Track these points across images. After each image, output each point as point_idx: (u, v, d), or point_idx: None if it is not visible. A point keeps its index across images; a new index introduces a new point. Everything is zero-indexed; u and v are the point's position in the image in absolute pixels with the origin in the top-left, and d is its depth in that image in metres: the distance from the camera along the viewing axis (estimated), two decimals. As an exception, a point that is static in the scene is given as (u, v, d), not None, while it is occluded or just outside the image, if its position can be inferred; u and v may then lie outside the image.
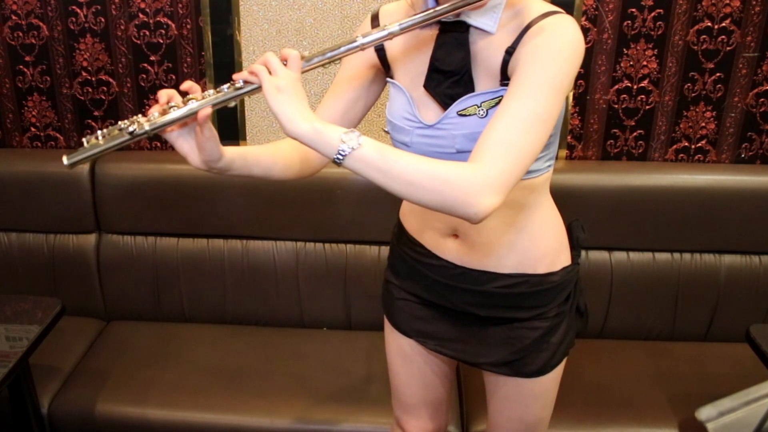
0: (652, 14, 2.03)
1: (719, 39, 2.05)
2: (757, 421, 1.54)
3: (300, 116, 1.01)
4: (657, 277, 2.13)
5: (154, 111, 1.06)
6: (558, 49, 1.05)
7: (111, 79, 2.21)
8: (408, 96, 1.20)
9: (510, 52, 1.10)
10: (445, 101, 1.16)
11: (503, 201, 1.02)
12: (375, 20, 1.25)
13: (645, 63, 2.09)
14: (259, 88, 1.05)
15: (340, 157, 1.00)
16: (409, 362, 1.46)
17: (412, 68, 1.21)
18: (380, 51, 1.25)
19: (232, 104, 1.09)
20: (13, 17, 2.16)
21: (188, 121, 1.07)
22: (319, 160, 1.29)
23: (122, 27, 2.15)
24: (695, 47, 2.07)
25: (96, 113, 2.27)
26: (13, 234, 2.26)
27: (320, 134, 1.01)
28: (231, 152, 1.13)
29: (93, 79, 2.22)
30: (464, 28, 1.14)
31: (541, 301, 1.29)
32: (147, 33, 2.15)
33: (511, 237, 1.25)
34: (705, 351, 2.14)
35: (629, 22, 2.04)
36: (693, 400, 1.79)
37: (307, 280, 2.21)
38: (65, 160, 1.09)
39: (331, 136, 1.01)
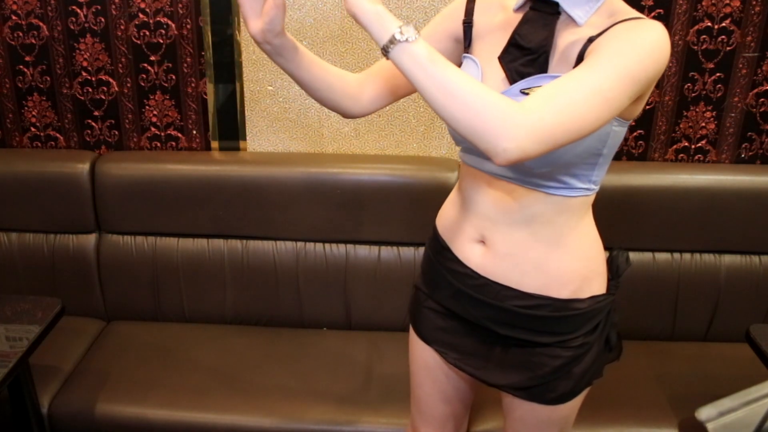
0: (652, 14, 2.03)
1: (719, 39, 2.05)
2: (757, 421, 1.54)
3: None
4: (657, 277, 2.14)
5: None
6: (642, 42, 1.03)
7: (111, 79, 2.21)
8: (479, 67, 1.18)
9: (592, 39, 1.08)
10: (514, 77, 1.13)
11: (534, 154, 0.98)
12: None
13: (645, 63, 2.09)
14: None
15: (391, 45, 0.97)
16: (432, 376, 1.44)
17: (491, 44, 1.19)
18: (467, 24, 1.23)
19: None
20: (13, 17, 2.16)
21: None
22: (365, 103, 1.26)
23: (122, 27, 2.15)
24: (695, 47, 2.07)
25: (96, 113, 2.27)
26: (13, 234, 2.26)
27: (380, 17, 0.98)
28: (292, 38, 1.12)
29: (93, 79, 2.22)
30: (554, 10, 1.13)
31: (564, 328, 1.24)
32: (147, 33, 2.15)
33: (538, 254, 1.21)
34: (705, 351, 2.14)
35: (629, 22, 2.04)
36: (693, 400, 1.79)
37: (307, 280, 2.21)
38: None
39: (390, 21, 0.98)
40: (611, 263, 1.30)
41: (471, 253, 1.27)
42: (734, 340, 2.08)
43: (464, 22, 1.24)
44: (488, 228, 1.24)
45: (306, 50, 1.16)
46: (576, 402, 1.32)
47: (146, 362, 2.07)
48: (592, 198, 1.23)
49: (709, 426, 1.70)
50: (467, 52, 1.24)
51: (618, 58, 1.01)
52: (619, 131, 1.15)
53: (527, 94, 1.10)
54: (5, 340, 1.69)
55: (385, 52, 0.98)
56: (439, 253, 1.35)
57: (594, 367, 1.29)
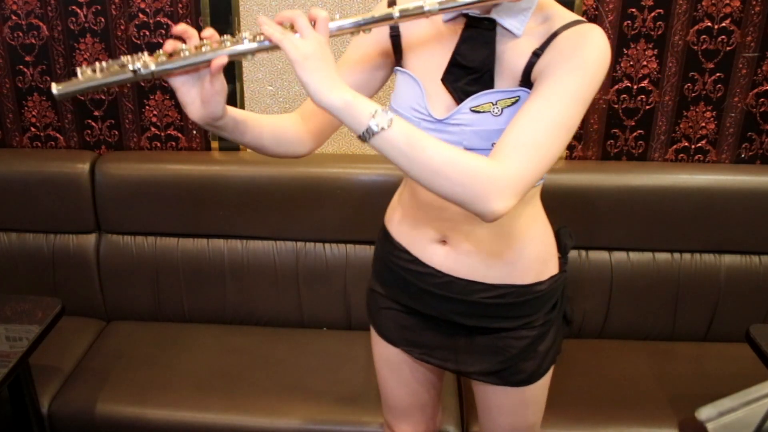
0: (652, 14, 2.03)
1: (719, 39, 2.05)
2: (757, 421, 1.54)
3: (329, 86, 0.96)
4: (657, 277, 2.13)
5: (163, 51, 0.98)
6: (588, 60, 1.04)
7: (111, 79, 2.21)
8: (421, 87, 1.17)
9: (537, 54, 1.08)
10: (460, 96, 1.13)
11: (518, 201, 1.01)
12: (392, 3, 1.15)
13: (645, 63, 2.09)
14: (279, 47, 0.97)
15: (368, 135, 0.97)
16: (396, 370, 1.46)
17: (428, 59, 1.17)
18: (395, 37, 1.20)
19: (248, 57, 1.00)
20: (13, 17, 2.16)
21: (200, 67, 0.99)
22: (310, 143, 1.23)
23: (122, 27, 2.15)
24: (695, 47, 2.07)
25: (96, 113, 2.27)
26: (13, 234, 2.26)
27: (350, 107, 0.96)
28: (233, 113, 1.07)
29: (93, 79, 2.22)
30: (492, 26, 1.12)
31: (528, 310, 1.28)
32: (147, 33, 2.15)
33: (500, 247, 1.24)
34: (705, 351, 2.14)
35: (629, 22, 2.04)
36: (693, 400, 1.79)
37: (307, 280, 2.21)
38: (54, 88, 0.96)
39: (362, 111, 0.96)
40: (559, 241, 1.34)
41: (433, 254, 1.28)
42: (734, 340, 2.08)
43: (391, 36, 1.20)
44: (450, 228, 1.25)
45: (248, 115, 1.12)
46: (544, 382, 1.35)
47: (146, 362, 2.07)
48: (543, 182, 1.25)
49: (709, 426, 1.70)
50: (399, 65, 1.22)
51: (570, 84, 1.03)
52: None
53: (477, 111, 1.12)
54: (5, 340, 1.69)
55: (362, 140, 0.98)
56: (393, 254, 1.35)
57: (556, 343, 1.34)
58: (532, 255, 1.26)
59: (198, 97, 1.02)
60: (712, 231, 2.10)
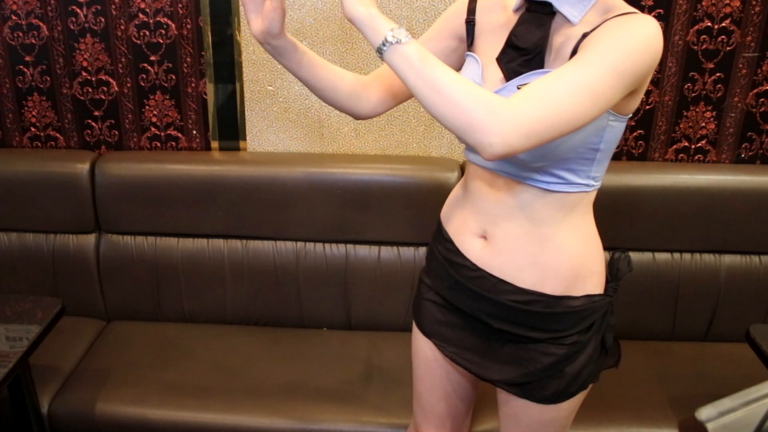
0: (652, 14, 2.03)
1: (719, 39, 2.05)
2: (757, 421, 1.54)
3: (360, 1, 1.03)
4: (657, 277, 2.14)
5: None
6: (632, 36, 1.04)
7: (111, 79, 2.21)
8: (480, 66, 1.21)
9: (585, 36, 1.09)
10: (510, 75, 1.16)
11: (522, 148, 1.00)
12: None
13: (645, 63, 2.09)
14: None
15: (384, 47, 1.02)
16: (431, 370, 1.45)
17: (492, 44, 1.21)
18: (470, 23, 1.26)
19: None
20: (13, 17, 2.16)
21: None
22: (370, 105, 1.30)
23: (122, 27, 2.15)
24: (695, 47, 2.07)
25: (96, 113, 2.27)
26: (13, 234, 2.26)
27: (373, 20, 1.03)
28: (293, 40, 1.17)
29: (93, 79, 2.22)
30: (549, 11, 1.14)
31: (556, 325, 1.25)
32: (147, 33, 2.15)
33: (534, 250, 1.22)
34: (705, 351, 2.14)
35: (629, 22, 2.04)
36: (693, 400, 1.79)
37: (307, 280, 2.21)
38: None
39: (382, 25, 1.02)
40: (612, 265, 1.30)
41: (471, 246, 1.29)
42: (734, 340, 2.08)
43: (467, 21, 1.27)
44: (490, 223, 1.25)
45: (309, 52, 1.21)
46: (570, 405, 1.32)
47: (146, 362, 2.07)
48: (592, 195, 1.24)
49: (709, 426, 1.70)
50: (470, 50, 1.27)
51: (606, 52, 1.03)
52: (617, 126, 1.16)
53: None
54: (5, 340, 1.69)
55: (379, 53, 1.03)
56: (442, 244, 1.37)
57: (588, 369, 1.29)
58: (566, 266, 1.23)
59: (260, 13, 1.12)
60: (712, 231, 2.10)
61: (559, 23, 1.15)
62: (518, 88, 1.11)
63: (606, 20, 1.09)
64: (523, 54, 1.15)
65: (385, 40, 1.01)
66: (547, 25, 1.14)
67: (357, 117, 1.32)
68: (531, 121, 0.99)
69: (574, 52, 1.10)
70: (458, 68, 1.32)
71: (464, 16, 1.27)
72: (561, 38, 1.14)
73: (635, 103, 1.16)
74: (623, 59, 1.03)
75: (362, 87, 1.29)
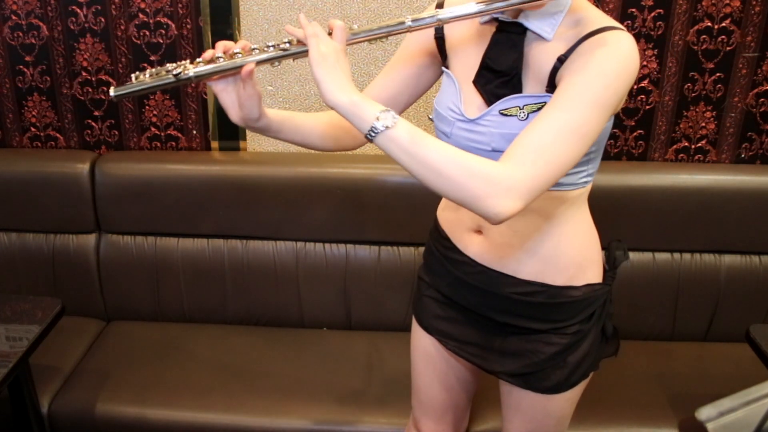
0: (652, 14, 2.03)
1: (719, 39, 2.05)
2: (757, 421, 1.54)
3: (340, 86, 1.02)
4: (657, 277, 2.14)
5: (202, 60, 1.09)
6: (610, 65, 1.04)
7: (111, 79, 2.21)
8: (458, 87, 1.21)
9: (562, 60, 1.09)
10: (490, 99, 1.15)
11: (526, 206, 1.02)
12: (440, 6, 1.22)
13: (645, 63, 2.09)
14: (304, 53, 1.06)
15: (373, 134, 1.01)
16: (432, 364, 1.46)
17: (466, 61, 1.21)
18: (439, 39, 1.25)
19: (275, 64, 1.11)
20: (13, 17, 2.16)
21: (233, 73, 1.09)
22: (357, 138, 1.30)
23: (122, 27, 2.15)
24: (695, 47, 2.07)
25: (96, 113, 2.27)
26: (13, 234, 2.26)
27: (357, 107, 1.02)
28: (272, 115, 1.17)
29: (93, 79, 2.22)
30: (521, 30, 1.13)
31: (559, 315, 1.27)
32: (147, 33, 2.15)
33: (534, 243, 1.23)
34: (705, 351, 2.14)
35: (629, 22, 2.04)
36: (693, 400, 1.79)
37: (307, 280, 2.21)
38: (112, 92, 1.11)
39: (368, 111, 1.01)
40: (609, 253, 1.32)
41: (469, 242, 1.30)
42: (734, 340, 2.08)
43: (436, 37, 1.25)
44: (483, 219, 1.25)
45: (289, 115, 1.22)
46: (572, 395, 1.33)
47: (146, 362, 2.07)
48: (587, 189, 1.26)
49: (709, 426, 1.70)
50: (445, 65, 1.26)
51: (587, 90, 1.03)
52: (606, 125, 1.16)
53: (505, 114, 1.13)
54: (5, 340, 1.69)
55: (369, 139, 1.03)
56: (439, 242, 1.37)
57: (589, 357, 1.31)
58: (566, 257, 1.25)
59: (236, 101, 1.12)
60: (712, 231, 2.10)
61: (533, 40, 1.13)
62: (500, 113, 1.13)
63: (581, 40, 1.07)
64: (500, 76, 1.15)
65: (373, 128, 1.01)
66: (520, 46, 1.13)
67: (351, 149, 1.33)
68: (529, 182, 1.01)
69: (551, 76, 1.10)
70: (435, 81, 1.31)
71: (432, 32, 1.25)
72: (536, 57, 1.13)
73: (620, 106, 1.16)
74: (603, 92, 1.03)
75: (342, 128, 1.28)
